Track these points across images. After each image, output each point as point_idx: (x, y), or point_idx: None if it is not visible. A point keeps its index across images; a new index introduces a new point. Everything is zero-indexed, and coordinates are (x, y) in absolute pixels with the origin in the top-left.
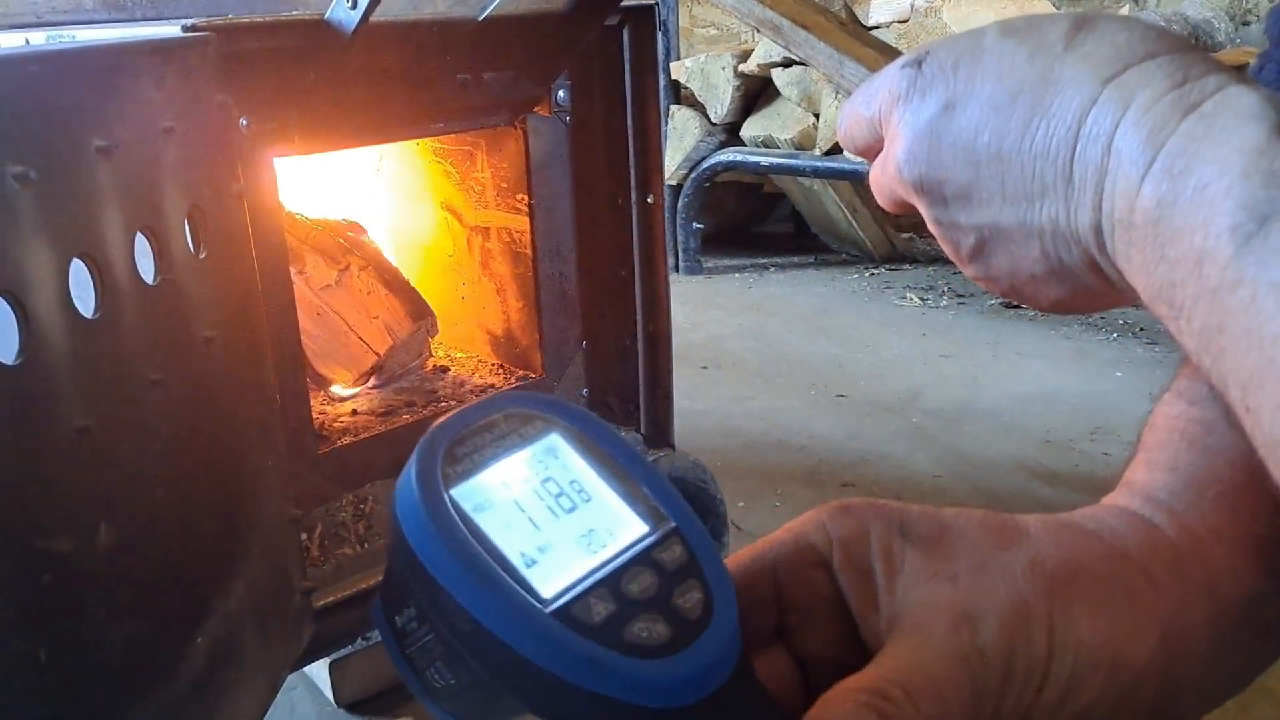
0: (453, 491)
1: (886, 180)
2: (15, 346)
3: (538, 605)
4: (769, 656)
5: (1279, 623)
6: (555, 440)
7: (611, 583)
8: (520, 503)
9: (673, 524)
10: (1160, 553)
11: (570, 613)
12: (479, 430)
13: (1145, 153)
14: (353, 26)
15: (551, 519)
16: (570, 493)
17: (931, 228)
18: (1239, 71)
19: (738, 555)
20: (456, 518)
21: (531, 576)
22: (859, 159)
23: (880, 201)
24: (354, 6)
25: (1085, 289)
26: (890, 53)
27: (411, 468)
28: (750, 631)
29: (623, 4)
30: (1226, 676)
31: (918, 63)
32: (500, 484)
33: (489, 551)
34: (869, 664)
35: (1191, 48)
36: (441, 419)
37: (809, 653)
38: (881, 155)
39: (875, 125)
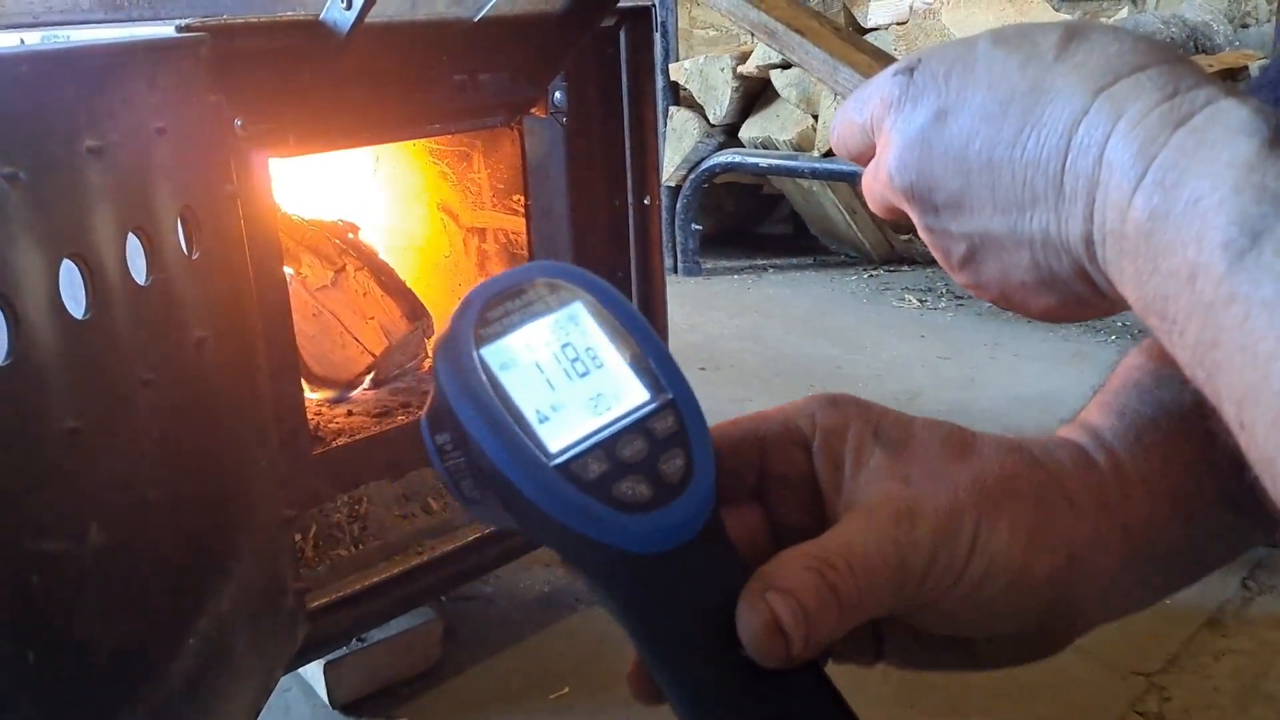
0: (482, 351)
1: (878, 187)
2: (5, 347)
3: (544, 459)
4: (747, 512)
5: (1182, 561)
6: (578, 309)
7: (608, 445)
8: (540, 364)
9: (670, 396)
10: (1089, 486)
11: (570, 468)
12: (511, 295)
13: (1137, 165)
14: (348, 27)
15: (566, 381)
16: (585, 359)
17: (922, 235)
18: (1229, 83)
19: (737, 421)
20: (483, 375)
21: (542, 432)
22: None
23: (872, 208)
24: (349, 7)
25: (1075, 298)
26: (884, 59)
27: (450, 326)
28: (734, 490)
29: (619, 5)
30: (1129, 597)
31: (910, 70)
32: (524, 346)
33: (508, 407)
34: (822, 535)
35: (1182, 59)
36: (480, 283)
37: (780, 515)
38: (873, 162)
39: (868, 132)
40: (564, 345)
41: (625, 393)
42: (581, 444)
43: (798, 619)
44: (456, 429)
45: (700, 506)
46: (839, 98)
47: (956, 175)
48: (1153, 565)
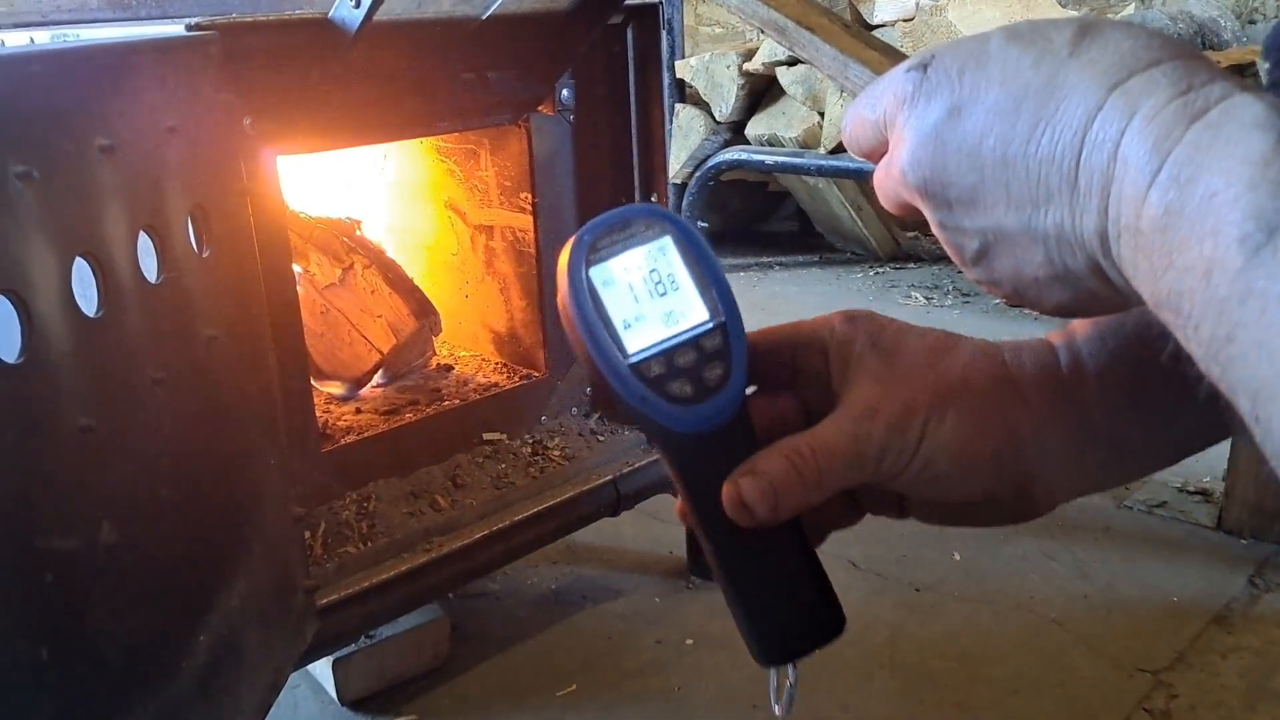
0: (590, 271)
1: (891, 184)
2: (18, 345)
3: (622, 357)
4: (784, 399)
5: (1138, 450)
6: (666, 242)
7: (669, 354)
8: (632, 284)
9: (723, 319)
10: (1044, 380)
11: (639, 367)
12: (617, 227)
13: (1152, 160)
14: (356, 25)
15: (649, 299)
16: (666, 283)
17: (935, 231)
18: (1242, 78)
19: (781, 327)
20: (588, 289)
21: (625, 336)
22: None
23: (884, 204)
24: (357, 5)
25: (1089, 293)
26: (895, 55)
27: (569, 248)
28: (775, 380)
29: (626, 3)
30: (1085, 476)
31: (923, 67)
32: (622, 269)
33: (602, 316)
34: (806, 431)
35: (1195, 54)
36: (594, 220)
37: (808, 401)
38: (886, 158)
39: (880, 128)
40: (651, 270)
41: (691, 312)
42: (651, 350)
43: (765, 493)
44: (566, 322)
45: (728, 405)
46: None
47: (970, 171)
48: (1105, 451)
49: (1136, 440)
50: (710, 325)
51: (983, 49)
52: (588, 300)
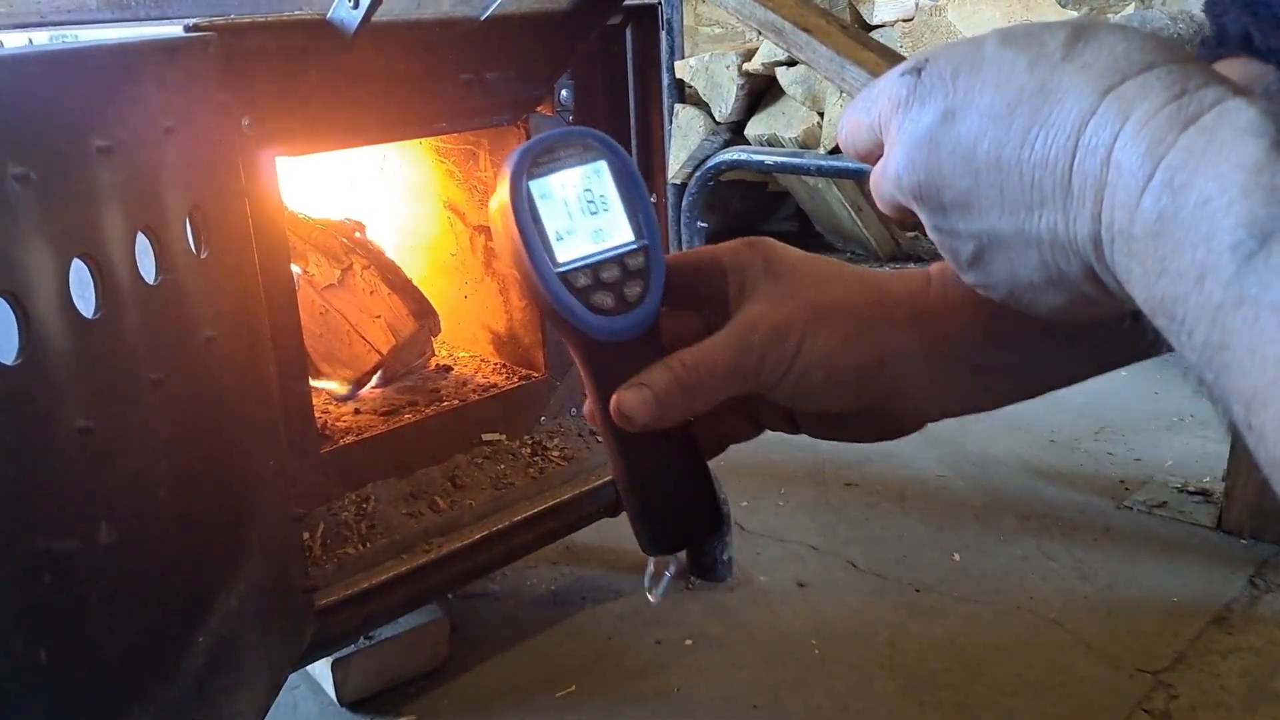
0: (530, 183)
1: (886, 187)
2: (16, 347)
3: (551, 265)
4: (689, 316)
5: (1008, 377)
6: (601, 165)
7: (595, 267)
8: (567, 200)
9: (645, 242)
10: (910, 304)
11: (567, 277)
12: (558, 146)
13: (1145, 166)
14: (355, 26)
15: (581, 215)
16: (598, 202)
17: (930, 235)
18: (1237, 82)
19: (691, 251)
20: (527, 200)
21: (557, 248)
22: None
23: (880, 207)
24: (356, 6)
25: (1083, 297)
26: (892, 57)
27: (513, 159)
28: (684, 299)
29: (626, 3)
30: (947, 399)
31: (917, 70)
32: (560, 185)
33: (538, 225)
34: (693, 345)
35: (1190, 58)
36: (538, 136)
37: (709, 321)
38: (881, 162)
39: (875, 132)
40: (585, 190)
41: (617, 232)
42: (579, 262)
43: (647, 402)
44: (508, 227)
45: (643, 320)
46: (845, 96)
47: (964, 175)
48: (966, 374)
49: (995, 365)
50: (634, 246)
51: (977, 52)
52: (525, 209)
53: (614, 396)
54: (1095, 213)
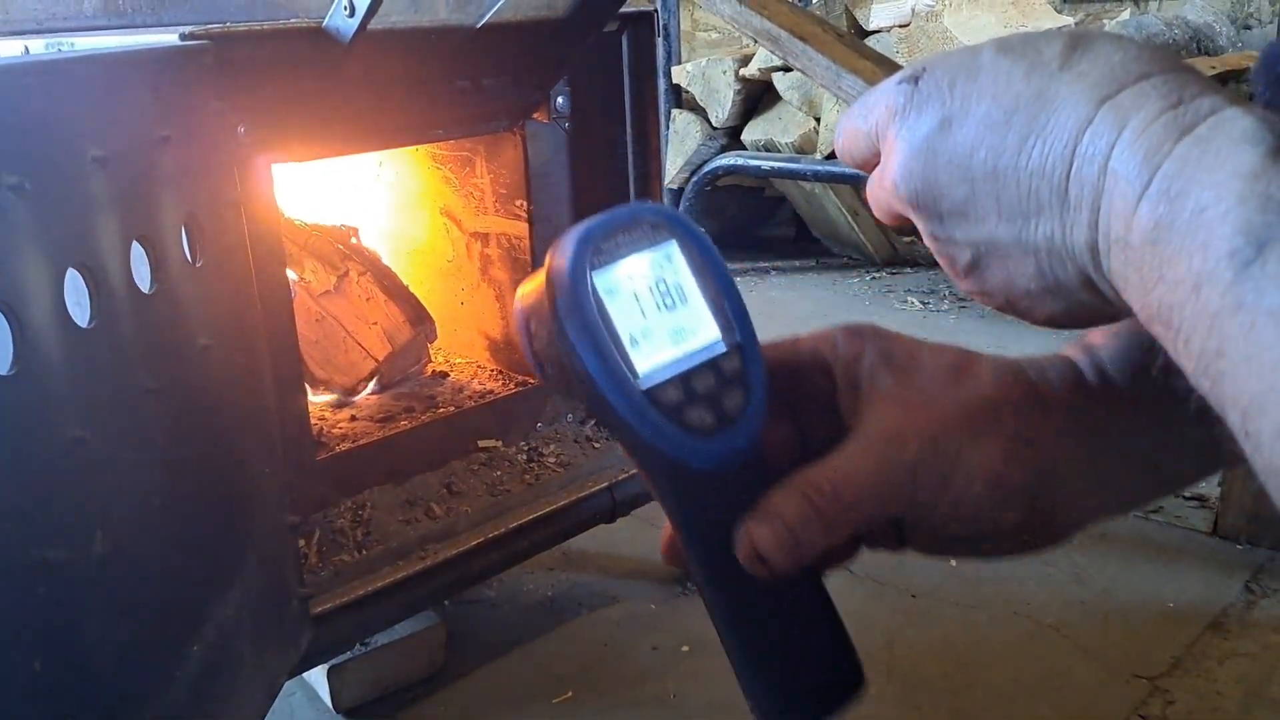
0: (593, 276)
1: (883, 194)
2: (10, 356)
3: (633, 380)
4: (780, 425)
5: (1159, 470)
6: (673, 248)
7: (685, 377)
8: (637, 294)
9: (738, 339)
10: (1072, 397)
11: (653, 393)
12: (623, 230)
13: (1142, 174)
14: (351, 34)
15: (656, 312)
16: (674, 294)
17: (927, 242)
18: (1233, 91)
19: (777, 344)
20: (592, 298)
21: (633, 354)
22: None
23: (877, 214)
24: (352, 14)
25: (1080, 305)
26: (888, 65)
27: (570, 247)
28: (770, 405)
29: (622, 10)
30: (1111, 501)
31: (914, 79)
32: (627, 277)
33: (609, 329)
34: (820, 461)
35: (1185, 67)
36: (595, 217)
37: (808, 429)
38: (878, 170)
39: (872, 139)
40: (658, 280)
41: (702, 329)
42: (664, 371)
43: (783, 540)
44: (561, 334)
45: (749, 437)
46: (842, 103)
47: (961, 183)
48: (1138, 468)
49: (1170, 454)
50: (727, 345)
51: (974, 61)
52: (593, 310)
53: (744, 536)
54: (1092, 221)
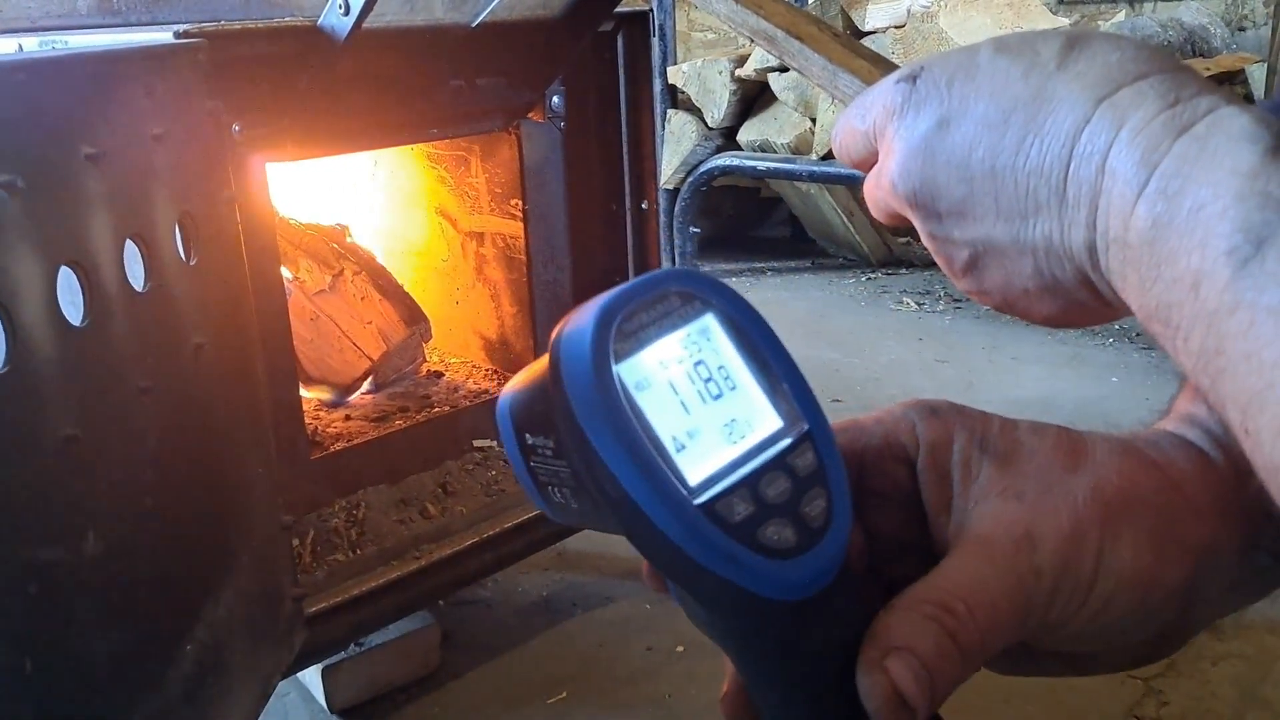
0: (619, 368)
1: (880, 194)
2: (2, 355)
3: (686, 495)
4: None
5: None
6: (709, 321)
7: (751, 483)
8: (674, 384)
9: (806, 426)
10: (1210, 484)
11: (715, 508)
12: (646, 305)
13: (1140, 173)
14: (346, 32)
15: (700, 404)
16: (718, 379)
17: (925, 241)
18: (1230, 90)
19: (840, 431)
20: (621, 395)
21: (680, 461)
22: None
23: (874, 214)
24: (347, 12)
25: (1078, 304)
26: (885, 65)
27: (588, 335)
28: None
29: (617, 10)
30: (1246, 594)
31: (912, 78)
32: (658, 364)
33: (645, 432)
34: (935, 570)
35: (1182, 66)
36: (610, 293)
37: (880, 530)
38: (876, 169)
39: (870, 139)
40: (696, 363)
41: (759, 419)
42: (722, 477)
43: (921, 681)
44: (580, 448)
45: (840, 550)
46: (838, 104)
47: (959, 183)
48: (1269, 559)
49: None
50: (794, 436)
51: (972, 61)
52: (624, 411)
53: (876, 678)
54: (1090, 220)
